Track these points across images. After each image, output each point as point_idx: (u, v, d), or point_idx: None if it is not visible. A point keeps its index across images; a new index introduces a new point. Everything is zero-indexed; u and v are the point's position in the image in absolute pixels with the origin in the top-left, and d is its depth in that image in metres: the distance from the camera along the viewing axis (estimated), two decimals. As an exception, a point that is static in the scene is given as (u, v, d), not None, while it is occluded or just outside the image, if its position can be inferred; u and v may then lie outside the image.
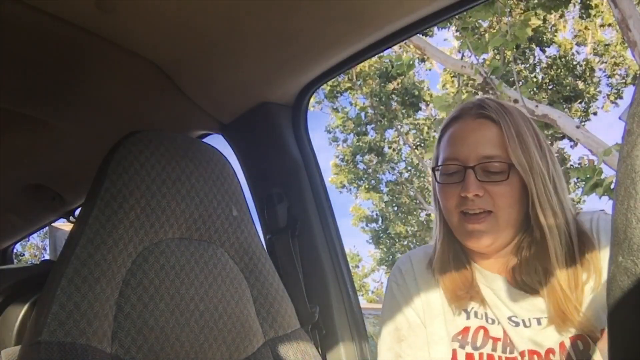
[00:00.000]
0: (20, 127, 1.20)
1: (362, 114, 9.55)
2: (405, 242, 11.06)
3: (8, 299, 1.24)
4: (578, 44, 9.43)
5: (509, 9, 5.44)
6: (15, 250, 2.46)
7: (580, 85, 9.18)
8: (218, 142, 1.29)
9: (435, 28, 7.07)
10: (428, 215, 10.49)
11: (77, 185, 1.58)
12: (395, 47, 7.51)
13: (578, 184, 9.18)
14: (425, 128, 9.80)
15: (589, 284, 0.81)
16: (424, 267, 0.95)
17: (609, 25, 8.88)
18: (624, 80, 9.54)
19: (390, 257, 11.20)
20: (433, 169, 0.93)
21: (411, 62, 5.97)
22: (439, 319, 0.90)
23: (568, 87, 9.00)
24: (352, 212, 11.72)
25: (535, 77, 9.05)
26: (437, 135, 0.96)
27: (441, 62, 6.95)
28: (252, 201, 1.27)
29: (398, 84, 9.13)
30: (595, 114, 9.55)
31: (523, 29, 4.60)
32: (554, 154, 0.90)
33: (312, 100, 1.39)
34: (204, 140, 1.34)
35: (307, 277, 1.17)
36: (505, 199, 0.83)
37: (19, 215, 1.82)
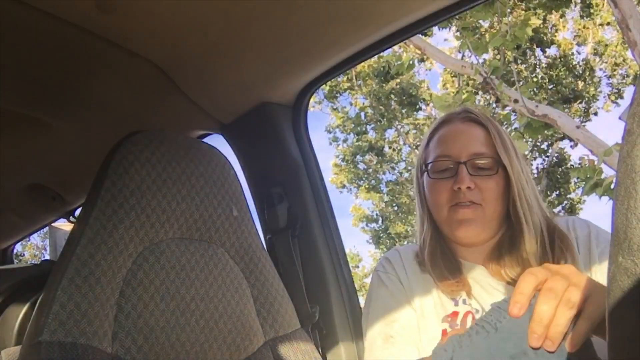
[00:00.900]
0: (20, 127, 1.20)
1: (362, 114, 9.56)
2: (406, 242, 11.06)
3: (8, 299, 1.24)
4: (578, 44, 9.43)
5: (509, 9, 5.44)
6: (15, 250, 2.46)
7: (581, 85, 9.18)
8: (218, 142, 1.29)
9: (436, 28, 7.07)
10: (428, 215, 10.46)
11: (77, 185, 1.58)
12: (395, 47, 7.51)
13: (578, 184, 9.18)
14: (426, 128, 9.80)
15: None
16: (412, 259, 1.01)
17: (609, 24, 8.87)
18: (624, 80, 9.54)
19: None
20: (421, 169, 1.00)
21: (411, 62, 5.97)
22: (429, 301, 0.94)
23: (568, 87, 9.00)
24: (352, 212, 11.73)
25: (535, 77, 9.05)
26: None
27: (441, 62, 6.95)
28: (252, 201, 1.27)
29: (397, 84, 9.13)
30: (595, 114, 9.56)
31: (523, 29, 4.60)
32: (522, 158, 0.99)
33: (312, 100, 1.39)
34: (204, 140, 1.34)
35: (307, 277, 1.17)
36: (492, 193, 0.91)
37: (19, 215, 1.81)
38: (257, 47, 0.98)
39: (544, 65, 9.26)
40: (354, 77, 8.94)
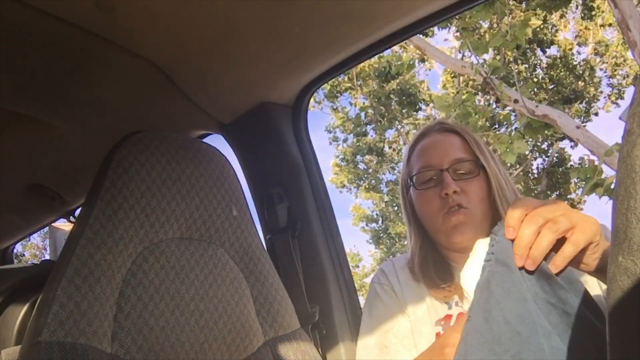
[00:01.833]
0: (20, 127, 1.20)
1: (362, 114, 9.56)
2: (405, 242, 11.05)
3: (8, 298, 1.24)
4: (579, 44, 9.43)
5: (509, 10, 5.45)
6: (15, 250, 2.46)
7: (581, 85, 9.18)
8: (218, 142, 1.29)
9: (436, 28, 7.07)
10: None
11: (77, 185, 1.58)
12: (395, 47, 7.51)
13: (578, 184, 9.19)
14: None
15: None
16: (405, 268, 1.04)
17: (610, 25, 8.87)
18: (624, 80, 9.54)
19: (391, 257, 11.20)
20: (406, 184, 1.04)
21: (411, 62, 5.97)
22: (423, 307, 0.97)
23: (568, 88, 9.00)
24: (352, 212, 11.73)
25: (535, 77, 9.05)
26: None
27: (441, 62, 6.95)
28: (252, 201, 1.27)
29: (397, 85, 9.14)
30: (596, 114, 9.56)
31: (523, 29, 4.60)
32: (499, 162, 1.03)
33: (312, 100, 1.39)
34: (204, 140, 1.34)
35: (307, 277, 1.17)
36: (477, 195, 0.95)
37: (19, 215, 1.81)
38: (257, 47, 0.98)
39: (544, 65, 9.26)
40: (355, 77, 8.94)
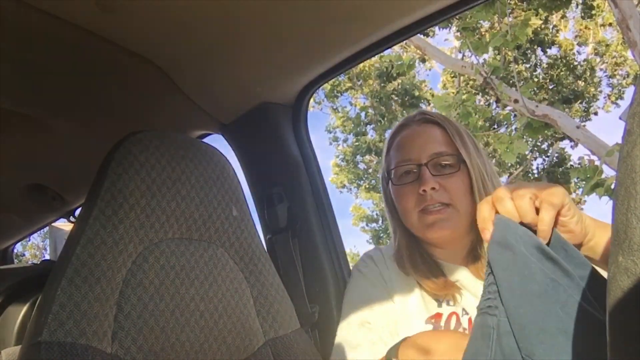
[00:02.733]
0: (20, 127, 1.20)
1: (362, 114, 9.55)
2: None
3: (8, 299, 1.24)
4: (579, 44, 9.43)
5: (509, 10, 5.44)
6: (15, 250, 2.46)
7: (581, 85, 9.17)
8: (218, 142, 1.29)
9: (436, 28, 7.07)
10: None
11: (77, 185, 1.58)
12: (396, 47, 7.51)
13: (578, 184, 9.18)
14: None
15: None
16: (395, 261, 0.99)
17: (610, 25, 8.87)
18: (624, 80, 9.54)
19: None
20: (385, 176, 0.98)
21: (411, 62, 5.97)
22: (413, 301, 0.93)
23: (569, 88, 9.00)
24: (352, 212, 11.73)
25: (536, 77, 9.05)
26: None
27: (441, 62, 6.95)
28: (252, 201, 1.27)
29: (398, 85, 9.14)
30: (596, 114, 9.56)
31: (523, 29, 4.60)
32: (487, 157, 0.98)
33: (312, 100, 1.39)
34: (204, 140, 1.34)
35: (307, 277, 1.17)
36: (459, 190, 0.90)
37: (19, 215, 1.81)
38: (257, 47, 0.98)
39: (544, 65, 9.26)
40: (355, 77, 8.94)
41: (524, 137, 5.65)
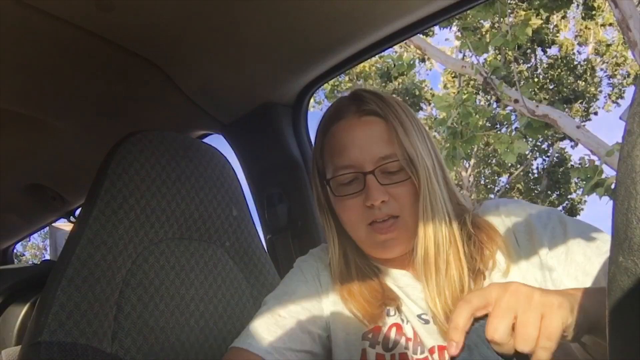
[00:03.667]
0: (20, 127, 1.20)
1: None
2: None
3: (9, 299, 1.24)
4: (580, 44, 9.44)
5: (510, 10, 5.44)
6: (15, 250, 2.46)
7: (582, 85, 9.18)
8: (218, 142, 1.29)
9: (437, 28, 7.08)
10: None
11: (77, 185, 1.58)
12: (396, 47, 7.51)
13: (579, 184, 9.18)
14: (426, 128, 9.79)
15: (495, 273, 0.75)
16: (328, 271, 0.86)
17: (610, 25, 8.88)
18: (625, 80, 9.55)
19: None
20: (319, 179, 0.83)
21: (411, 62, 5.97)
22: (346, 314, 0.80)
23: (569, 87, 9.00)
24: (352, 212, 11.70)
25: (536, 77, 9.05)
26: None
27: (442, 62, 6.95)
28: (252, 201, 1.27)
29: (399, 85, 9.14)
30: (596, 113, 9.57)
31: (523, 29, 4.60)
32: (434, 142, 0.82)
33: (312, 100, 1.39)
34: (204, 140, 1.34)
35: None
36: (409, 199, 0.76)
37: (19, 215, 1.82)
38: (257, 47, 0.98)
39: (545, 65, 9.26)
40: (355, 77, 8.94)
41: (524, 137, 5.66)
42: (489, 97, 8.82)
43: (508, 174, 10.88)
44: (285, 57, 1.04)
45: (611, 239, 0.30)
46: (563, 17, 8.90)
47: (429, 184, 0.76)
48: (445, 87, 9.61)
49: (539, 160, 10.37)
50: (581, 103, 9.28)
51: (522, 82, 6.35)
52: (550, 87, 9.13)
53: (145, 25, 0.88)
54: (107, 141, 0.82)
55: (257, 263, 0.95)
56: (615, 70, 9.59)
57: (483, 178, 11.15)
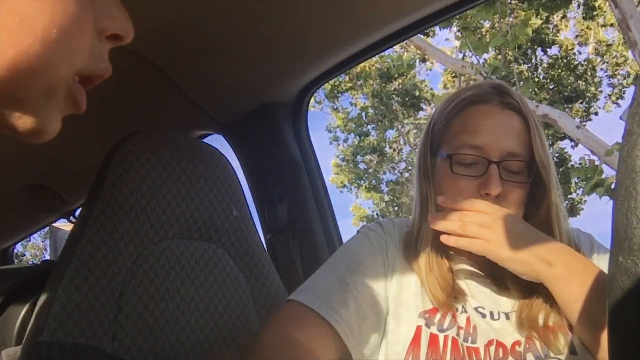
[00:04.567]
0: (21, 127, 1.20)
1: (363, 114, 9.56)
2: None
3: (9, 299, 1.24)
4: (580, 44, 9.43)
5: (510, 10, 5.44)
6: (16, 250, 2.46)
7: (582, 85, 9.18)
8: (218, 142, 1.29)
9: (436, 28, 7.07)
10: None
11: (77, 185, 1.58)
12: (396, 47, 7.51)
13: (579, 184, 9.17)
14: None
15: None
16: (404, 238, 0.85)
17: (611, 25, 8.87)
18: (625, 80, 9.54)
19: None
20: (436, 150, 0.81)
21: (411, 62, 5.97)
22: (409, 289, 0.80)
23: (569, 87, 9.00)
24: (352, 212, 11.72)
25: (536, 77, 9.05)
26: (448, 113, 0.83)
27: (442, 62, 6.95)
28: (252, 201, 1.27)
29: (399, 85, 9.14)
30: (596, 113, 9.56)
31: (523, 29, 4.60)
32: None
33: (312, 100, 1.39)
34: (204, 140, 1.34)
35: (307, 277, 1.17)
36: (517, 202, 0.76)
37: (19, 215, 1.81)
38: (257, 47, 0.98)
39: (545, 65, 9.26)
40: (355, 77, 8.94)
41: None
42: (489, 97, 8.79)
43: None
44: (285, 57, 1.04)
45: (611, 239, 0.30)
46: (563, 17, 8.89)
47: (555, 192, 0.76)
48: (445, 87, 9.60)
49: (539, 160, 10.35)
50: (581, 103, 9.28)
51: (522, 82, 6.35)
52: (551, 87, 9.12)
53: (145, 25, 0.88)
54: (107, 141, 0.82)
55: (257, 263, 0.95)
56: (616, 70, 9.58)
57: (483, 178, 11.12)
